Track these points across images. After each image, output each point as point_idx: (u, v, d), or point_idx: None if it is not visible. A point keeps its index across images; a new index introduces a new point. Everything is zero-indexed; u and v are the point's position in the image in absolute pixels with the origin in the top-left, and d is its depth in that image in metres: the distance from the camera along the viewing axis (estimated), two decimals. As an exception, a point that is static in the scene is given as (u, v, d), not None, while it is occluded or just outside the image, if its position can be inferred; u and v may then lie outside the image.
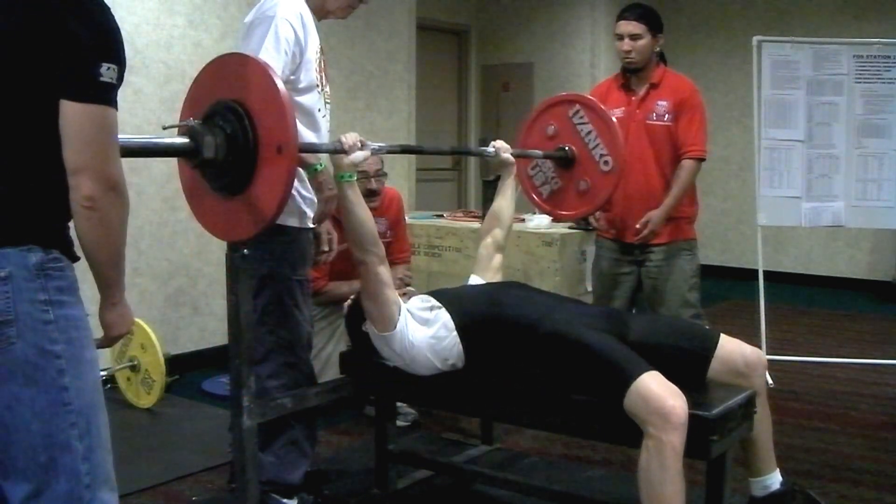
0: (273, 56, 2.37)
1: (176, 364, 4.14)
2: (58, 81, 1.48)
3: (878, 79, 4.45)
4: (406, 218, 4.01)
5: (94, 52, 1.49)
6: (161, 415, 3.78)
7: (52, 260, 1.52)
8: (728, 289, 6.79)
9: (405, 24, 5.77)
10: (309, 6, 2.55)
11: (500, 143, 2.96)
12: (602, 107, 3.17)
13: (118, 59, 1.53)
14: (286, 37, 2.40)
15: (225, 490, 2.91)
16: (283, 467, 2.63)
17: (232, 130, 1.94)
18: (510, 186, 2.97)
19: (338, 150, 2.30)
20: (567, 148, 3.13)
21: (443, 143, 7.59)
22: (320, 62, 2.59)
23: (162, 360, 3.73)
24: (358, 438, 3.49)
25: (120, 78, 1.53)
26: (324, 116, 2.64)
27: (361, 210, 2.36)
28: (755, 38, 4.54)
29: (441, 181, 7.44)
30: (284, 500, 2.64)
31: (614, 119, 3.15)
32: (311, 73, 2.53)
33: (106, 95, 1.51)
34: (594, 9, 7.28)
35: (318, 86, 2.56)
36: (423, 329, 2.42)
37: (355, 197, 2.35)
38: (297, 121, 2.50)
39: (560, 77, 7.46)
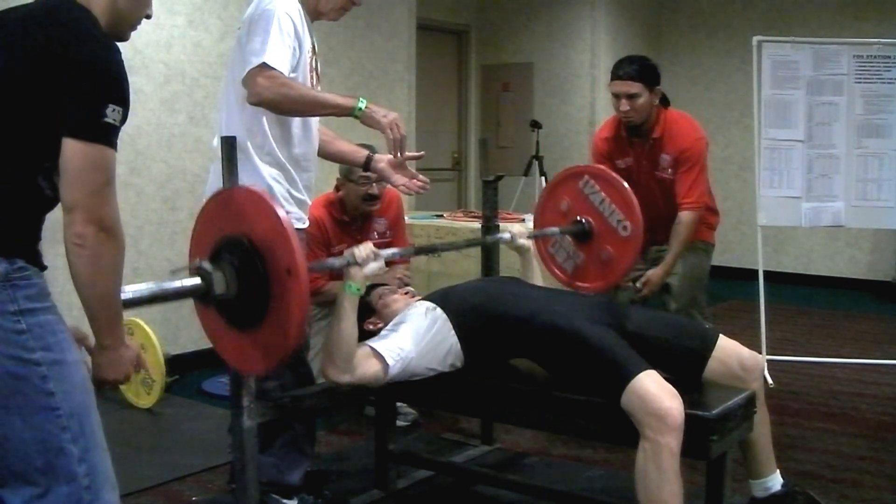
0: (280, 50, 2.36)
1: (176, 364, 4.14)
2: (60, 116, 1.48)
3: (878, 79, 4.45)
4: (406, 218, 4.01)
5: (102, 93, 1.50)
6: (161, 415, 3.78)
7: (17, 270, 1.51)
8: (728, 289, 6.78)
9: (405, 24, 5.76)
10: (303, 7, 2.54)
11: (516, 229, 2.89)
12: (611, 172, 3.12)
13: (124, 101, 1.53)
14: (288, 31, 2.40)
15: (225, 490, 2.91)
16: (283, 467, 2.63)
17: (240, 262, 1.90)
18: (534, 270, 2.96)
19: (350, 264, 2.27)
20: (583, 220, 3.08)
21: (442, 142, 7.59)
22: (313, 61, 2.59)
23: (162, 360, 3.72)
24: (358, 438, 3.49)
25: (123, 119, 1.54)
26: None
27: (349, 326, 2.28)
28: (755, 38, 4.54)
29: (441, 181, 7.42)
30: (284, 501, 2.64)
31: (626, 185, 3.06)
32: (305, 72, 2.53)
33: (107, 136, 1.51)
34: (594, 9, 7.27)
35: (310, 85, 2.56)
36: (414, 340, 2.38)
37: (351, 311, 2.27)
38: (288, 118, 2.51)
39: (560, 77, 7.46)
